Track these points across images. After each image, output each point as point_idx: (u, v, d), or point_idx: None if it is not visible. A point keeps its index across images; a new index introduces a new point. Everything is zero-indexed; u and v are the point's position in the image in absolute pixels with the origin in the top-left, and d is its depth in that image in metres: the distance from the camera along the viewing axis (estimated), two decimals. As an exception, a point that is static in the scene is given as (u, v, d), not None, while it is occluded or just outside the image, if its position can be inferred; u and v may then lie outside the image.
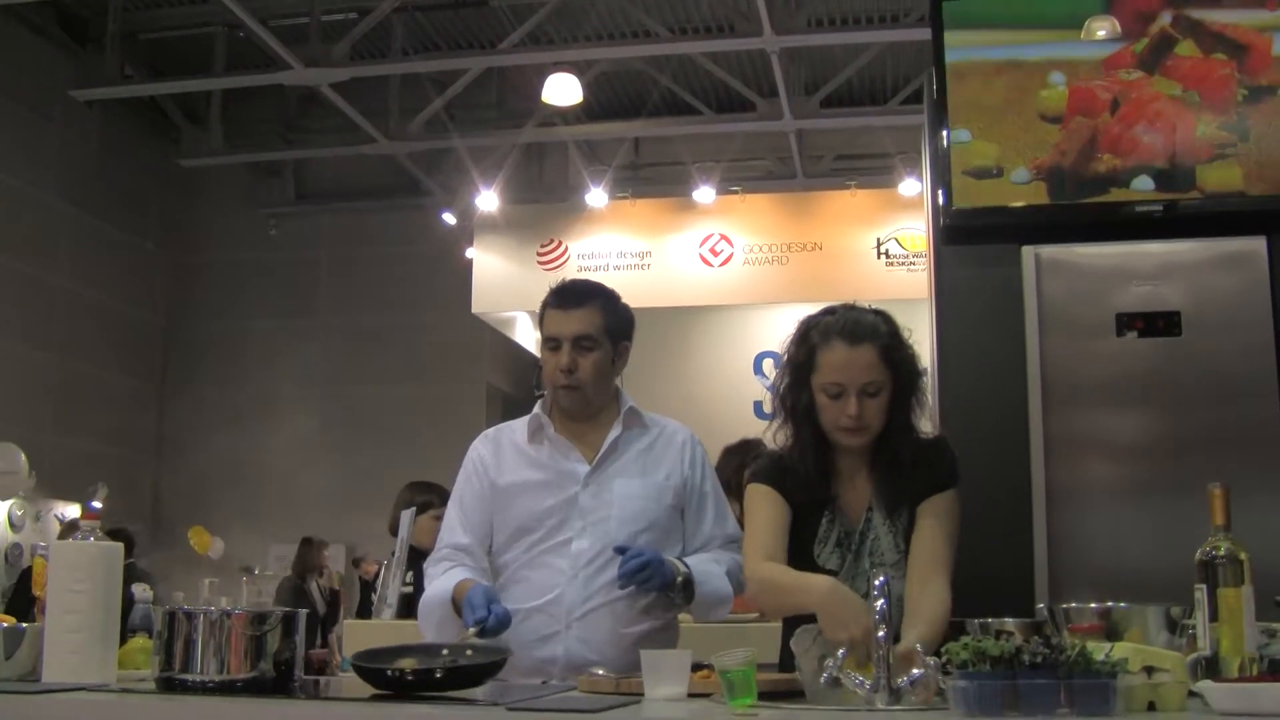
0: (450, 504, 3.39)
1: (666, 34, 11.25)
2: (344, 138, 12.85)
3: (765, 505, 2.97)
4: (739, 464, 5.75)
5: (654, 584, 3.05)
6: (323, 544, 10.95)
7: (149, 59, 12.68)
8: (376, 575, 7.12)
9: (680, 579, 3.12)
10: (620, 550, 3.07)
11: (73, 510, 12.07)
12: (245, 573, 11.74)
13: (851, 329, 2.95)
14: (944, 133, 4.14)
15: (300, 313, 14.22)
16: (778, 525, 2.93)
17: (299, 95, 13.03)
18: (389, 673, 2.36)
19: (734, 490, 5.66)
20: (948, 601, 2.76)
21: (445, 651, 2.57)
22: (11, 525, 11.42)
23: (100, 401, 13.24)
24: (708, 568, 3.19)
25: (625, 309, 3.36)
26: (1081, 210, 4.03)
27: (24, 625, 2.61)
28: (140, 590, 2.97)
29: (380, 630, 4.44)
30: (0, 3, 10.93)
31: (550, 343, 3.26)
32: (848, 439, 2.93)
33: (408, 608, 4.57)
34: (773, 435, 3.06)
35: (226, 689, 2.39)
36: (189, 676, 2.40)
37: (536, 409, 3.35)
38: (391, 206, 14.07)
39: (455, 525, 3.33)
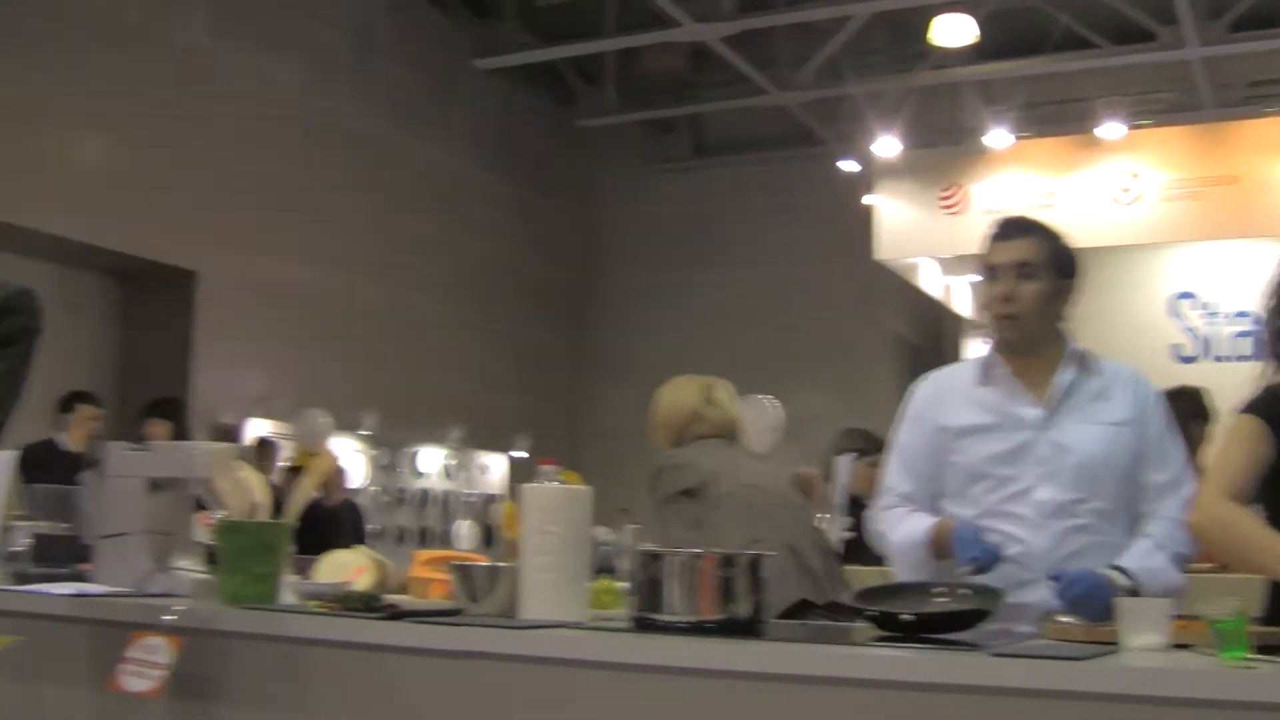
0: (893, 451, 3.32)
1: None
2: (736, 90, 12.95)
3: (1247, 439, 2.77)
4: (1183, 411, 5.49)
5: (1098, 609, 2.75)
6: None
7: (544, 25, 13.09)
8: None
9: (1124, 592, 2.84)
10: (1054, 577, 2.85)
11: (497, 459, 12.66)
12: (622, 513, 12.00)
13: None
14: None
15: (700, 265, 14.43)
16: (1253, 465, 2.73)
17: (690, 51, 13.19)
18: (901, 617, 2.36)
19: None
20: None
21: (938, 591, 2.56)
22: (446, 475, 12.09)
23: (516, 356, 13.83)
24: (1149, 563, 2.95)
25: (1068, 246, 3.19)
26: None
27: (500, 564, 2.72)
28: (602, 532, 3.05)
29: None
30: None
31: (989, 273, 3.14)
32: None
33: (849, 554, 4.54)
34: (1267, 375, 2.87)
35: (698, 630, 2.42)
36: (661, 616, 2.43)
37: (988, 351, 3.23)
38: (786, 157, 14.09)
39: (899, 472, 3.25)
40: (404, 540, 11.40)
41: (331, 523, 9.26)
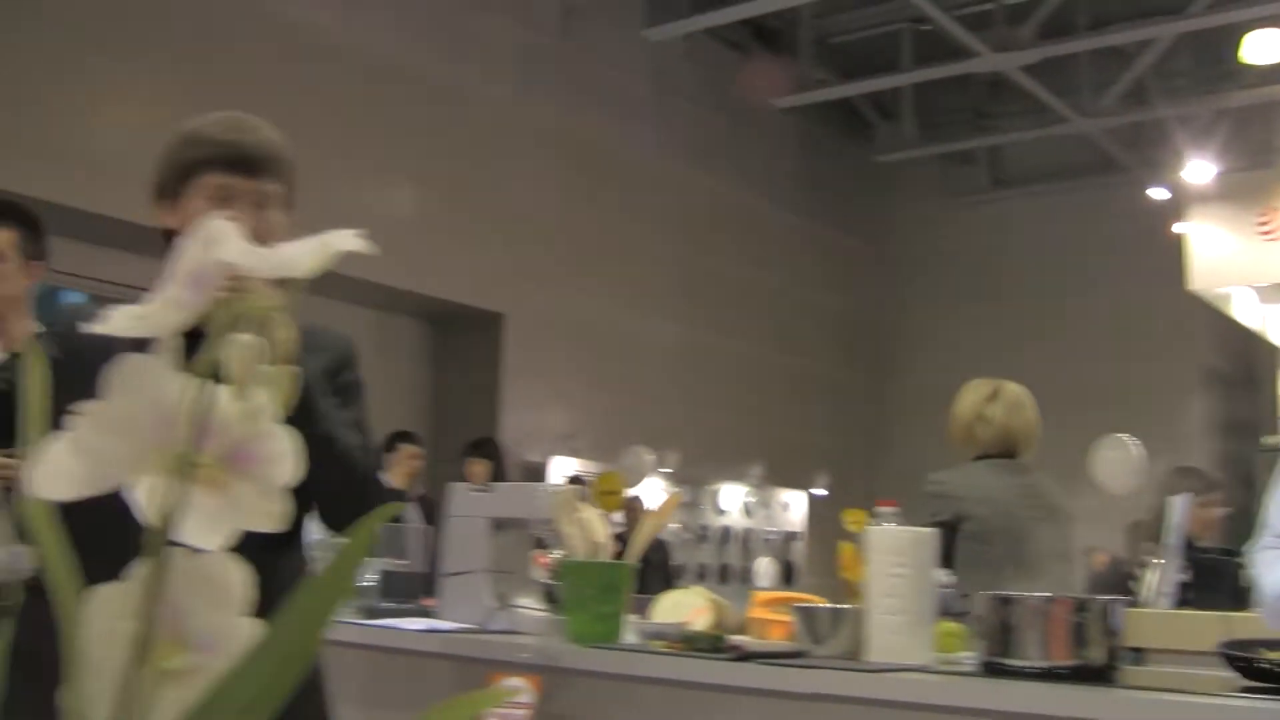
0: (1273, 487, 3.16)
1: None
2: (1036, 119, 12.71)
3: None
4: None
5: None
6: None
7: (840, 62, 13.11)
8: (1111, 565, 6.92)
9: None
10: None
11: (796, 497, 12.68)
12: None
13: None
14: None
15: (1001, 299, 14.18)
16: None
17: (987, 81, 13.03)
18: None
19: None
20: None
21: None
22: (746, 512, 12.18)
23: (815, 393, 13.84)
24: None
25: None
26: None
27: (844, 607, 2.73)
28: (942, 575, 3.04)
29: (1165, 620, 4.30)
30: (704, 26, 11.63)
31: None
32: None
33: (1185, 598, 4.41)
34: None
35: (1050, 675, 2.38)
36: (1012, 661, 2.41)
37: None
38: (1090, 186, 13.74)
39: (1277, 509, 3.09)
40: (704, 578, 11.49)
41: (643, 562, 9.40)
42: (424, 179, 10.01)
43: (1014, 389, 4.60)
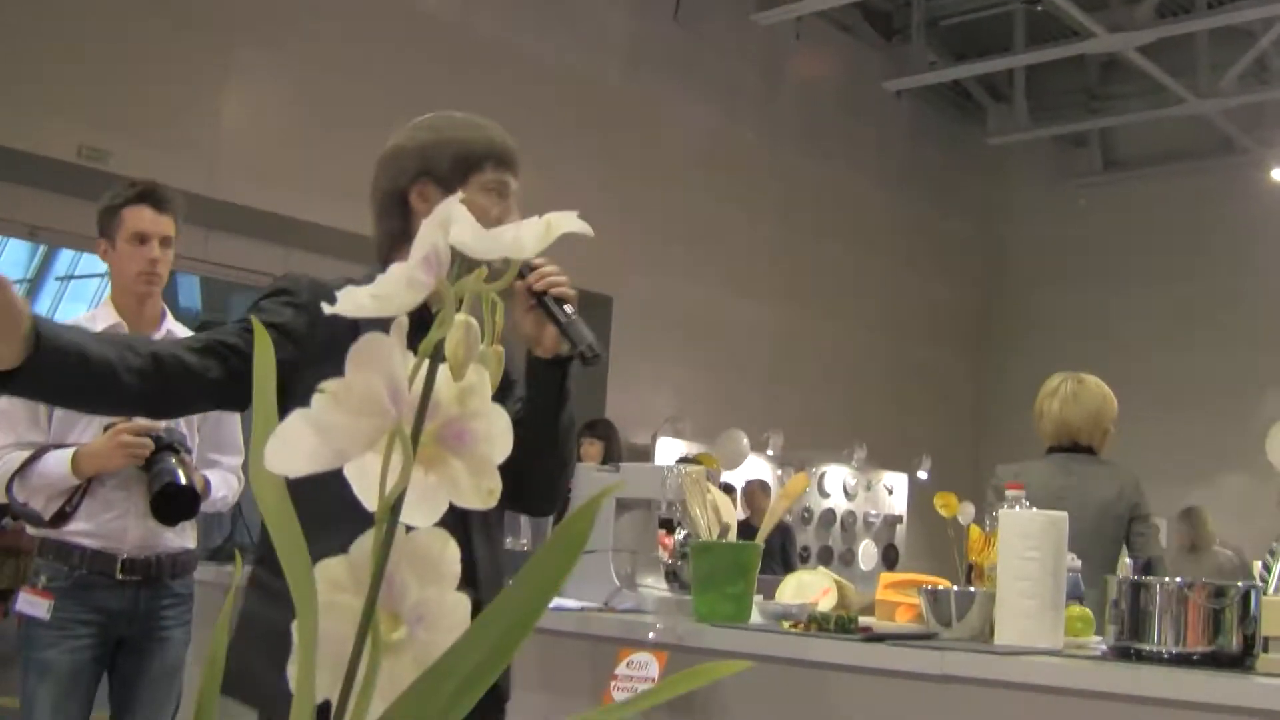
0: None
1: None
2: (1151, 101, 12.52)
3: None
4: None
5: None
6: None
7: (951, 44, 13.00)
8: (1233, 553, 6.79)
9: None
10: None
11: (899, 480, 12.64)
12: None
13: None
14: None
15: (1113, 284, 13.98)
16: None
17: (1101, 62, 12.86)
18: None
19: None
20: None
21: None
22: (846, 494, 12.15)
23: (924, 377, 13.76)
24: None
25: None
26: None
27: (975, 589, 2.74)
28: (1070, 559, 3.03)
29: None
30: (815, 10, 11.59)
31: None
32: None
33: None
34: None
35: (1183, 661, 2.38)
36: (1144, 646, 2.41)
37: None
38: (1207, 169, 13.49)
39: None
40: (807, 560, 11.48)
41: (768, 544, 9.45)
42: (542, 166, 10.04)
43: (1078, 381, 4.64)
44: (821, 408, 12.32)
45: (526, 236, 0.75)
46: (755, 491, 10.14)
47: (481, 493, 0.76)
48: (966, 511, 3.53)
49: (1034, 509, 2.68)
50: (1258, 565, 4.36)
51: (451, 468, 0.75)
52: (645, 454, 10.42)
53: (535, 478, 2.27)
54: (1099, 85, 13.42)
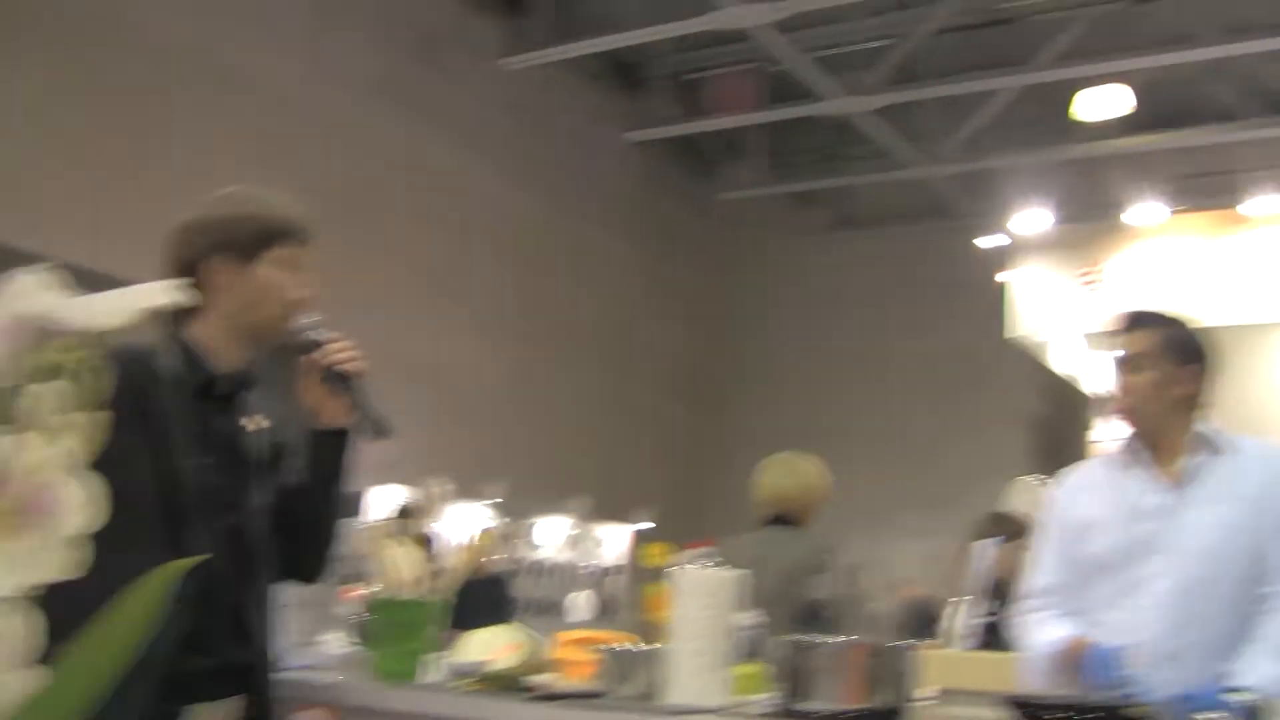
0: (1037, 542, 3.36)
1: (1217, 37, 10.71)
2: (880, 164, 12.96)
3: None
4: None
5: None
6: None
7: (692, 99, 13.24)
8: (917, 602, 7.07)
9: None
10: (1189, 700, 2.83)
11: (620, 531, 12.70)
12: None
13: None
14: None
15: (834, 338, 14.39)
16: None
17: (835, 124, 13.25)
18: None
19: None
20: None
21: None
22: (566, 543, 12.15)
23: (652, 426, 13.89)
24: (1266, 669, 2.85)
25: (1191, 333, 3.23)
26: None
27: (648, 647, 2.76)
28: (749, 617, 3.09)
29: (963, 661, 4.38)
30: (563, 57, 11.68)
31: (1112, 367, 3.21)
32: None
33: (988, 640, 4.53)
34: None
35: (841, 718, 2.43)
36: (806, 705, 2.46)
37: (1125, 438, 3.25)
38: (929, 231, 14.00)
39: (1042, 565, 3.29)
40: (525, 610, 11.41)
41: (479, 595, 9.37)
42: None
43: (791, 460, 5.43)
44: (546, 456, 12.28)
45: (114, 307, 0.73)
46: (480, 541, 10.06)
47: (57, 563, 0.73)
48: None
49: (711, 567, 2.71)
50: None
51: (28, 538, 0.72)
52: (358, 503, 10.24)
53: (306, 546, 2.28)
54: (832, 146, 13.82)
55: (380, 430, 2.27)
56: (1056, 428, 13.06)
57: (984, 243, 12.73)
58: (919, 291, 13.79)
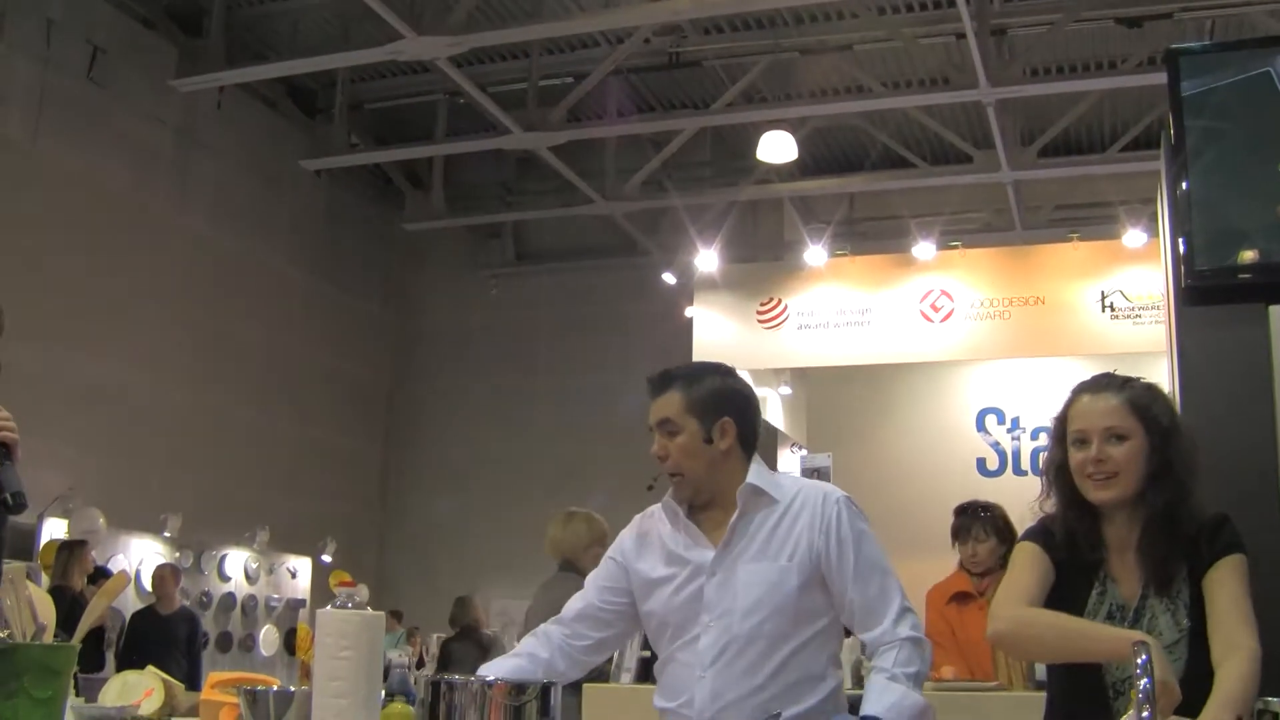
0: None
1: (881, 89, 11.24)
2: (562, 199, 13.11)
3: (1029, 560, 2.91)
4: (964, 525, 5.66)
5: None
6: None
7: (374, 128, 13.15)
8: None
9: None
10: None
11: (303, 564, 12.48)
12: (412, 631, 11.95)
13: (1096, 381, 2.95)
14: (1184, 185, 4.00)
15: (520, 373, 14.47)
16: (1040, 580, 2.87)
17: (518, 158, 13.35)
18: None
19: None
20: (1254, 669, 2.62)
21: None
22: (247, 578, 11.87)
23: (332, 459, 13.67)
24: (889, 698, 2.91)
25: (722, 385, 3.20)
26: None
27: (292, 689, 2.70)
28: (397, 655, 3.05)
29: (621, 694, 4.46)
30: (237, 81, 11.41)
31: (652, 433, 3.21)
32: (1097, 491, 2.85)
33: (645, 672, 4.60)
34: (1039, 505, 2.99)
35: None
36: (452, 745, 2.43)
37: (668, 495, 3.22)
38: (610, 266, 14.25)
39: (576, 596, 3.30)
40: (207, 645, 11.10)
41: (166, 632, 9.07)
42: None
43: (569, 515, 6.04)
44: (226, 488, 11.97)
45: None
46: (166, 576, 9.72)
47: None
48: (362, 593, 3.51)
49: (352, 608, 2.66)
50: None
51: None
52: (31, 535, 9.78)
53: None
54: (514, 180, 13.91)
55: (15, 506, 2.14)
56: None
57: (669, 279, 12.98)
58: (605, 326, 14.00)
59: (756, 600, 3.03)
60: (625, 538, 3.30)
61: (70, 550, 8.69)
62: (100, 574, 10.09)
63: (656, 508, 3.27)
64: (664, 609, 3.13)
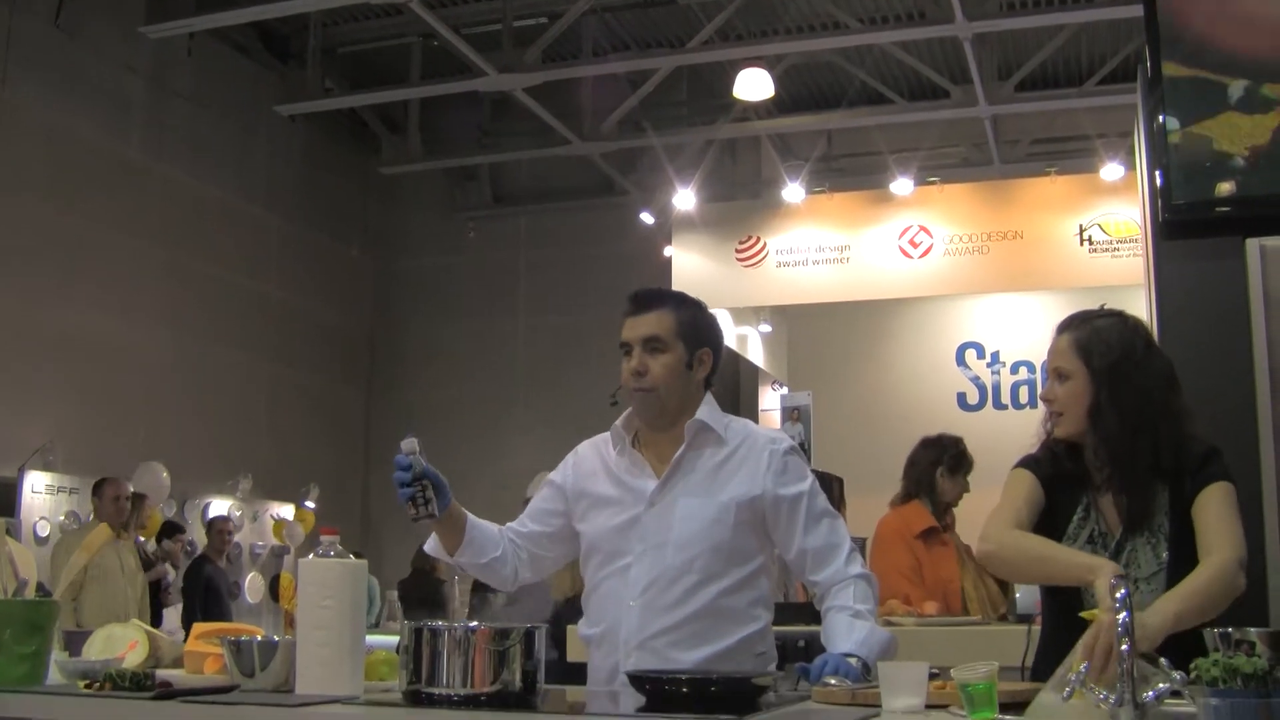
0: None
1: (857, 25, 11.18)
2: (539, 140, 13.04)
3: (1019, 484, 3.00)
4: (935, 458, 5.70)
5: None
6: None
7: (348, 72, 13.04)
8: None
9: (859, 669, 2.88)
10: (803, 672, 2.85)
11: (287, 510, 12.49)
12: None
13: (1069, 318, 3.04)
14: (1161, 118, 4.00)
15: (500, 314, 14.44)
16: (1029, 503, 2.95)
17: (493, 100, 13.25)
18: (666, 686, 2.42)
19: (925, 486, 5.63)
20: (1217, 574, 2.70)
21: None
22: (234, 526, 11.89)
23: (311, 405, 13.65)
24: (858, 635, 2.96)
25: (705, 316, 3.24)
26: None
27: (276, 638, 2.71)
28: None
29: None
30: (207, 27, 11.29)
31: (624, 348, 3.19)
32: (1055, 428, 3.01)
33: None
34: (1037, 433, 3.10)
35: (471, 702, 2.43)
36: (435, 690, 2.44)
37: (618, 421, 3.26)
38: (588, 207, 14.21)
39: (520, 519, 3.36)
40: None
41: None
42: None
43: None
44: (207, 436, 11.94)
45: None
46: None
47: None
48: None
49: (334, 556, 2.66)
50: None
51: None
52: (12, 489, 9.77)
53: None
54: (490, 122, 13.82)
55: None
56: (724, 396, 13.39)
57: (647, 218, 12.96)
58: (585, 266, 13.95)
59: (692, 534, 3.06)
60: (571, 461, 3.34)
61: (135, 503, 8.82)
62: (173, 528, 10.18)
63: (604, 435, 3.30)
64: (598, 532, 3.17)
